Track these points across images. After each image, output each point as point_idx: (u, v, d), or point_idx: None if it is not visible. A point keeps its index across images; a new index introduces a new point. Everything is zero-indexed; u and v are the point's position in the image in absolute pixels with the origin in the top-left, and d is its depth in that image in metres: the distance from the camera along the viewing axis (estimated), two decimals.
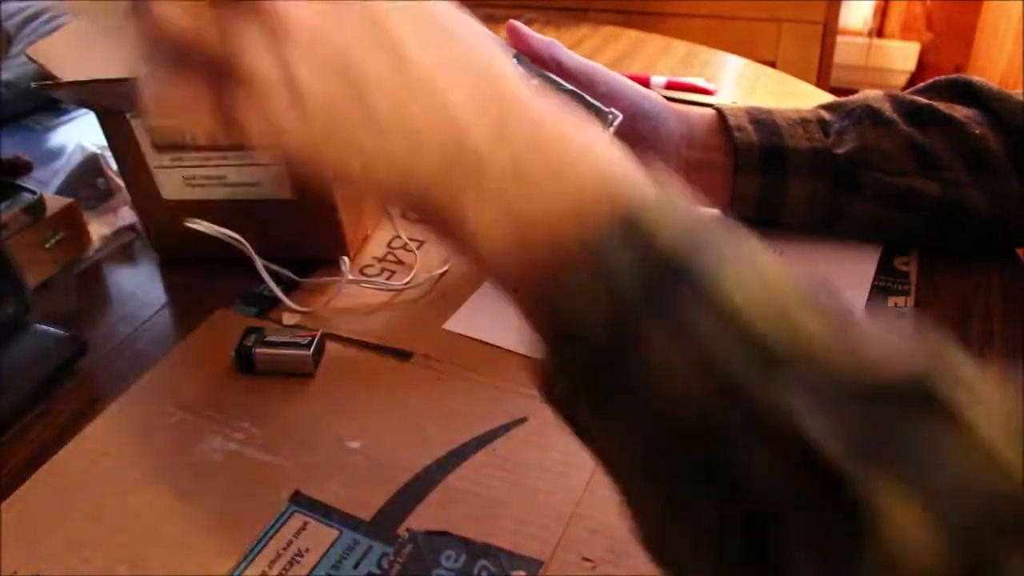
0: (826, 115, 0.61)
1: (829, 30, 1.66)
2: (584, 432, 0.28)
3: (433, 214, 0.28)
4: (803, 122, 0.60)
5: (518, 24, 0.58)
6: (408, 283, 0.60)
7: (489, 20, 0.34)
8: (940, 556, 0.19)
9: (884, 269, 0.60)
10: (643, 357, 0.23)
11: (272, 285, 0.57)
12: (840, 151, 0.58)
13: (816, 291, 0.24)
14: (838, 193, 0.59)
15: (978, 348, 0.53)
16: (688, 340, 0.23)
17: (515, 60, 0.56)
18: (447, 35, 0.28)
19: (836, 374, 0.22)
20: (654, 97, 0.60)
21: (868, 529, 0.19)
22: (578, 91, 0.55)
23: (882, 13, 2.22)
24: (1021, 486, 0.20)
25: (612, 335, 0.24)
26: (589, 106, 0.54)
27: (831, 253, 0.61)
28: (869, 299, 0.57)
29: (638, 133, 0.58)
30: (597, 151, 0.28)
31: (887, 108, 0.59)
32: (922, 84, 0.63)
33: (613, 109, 0.55)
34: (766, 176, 0.59)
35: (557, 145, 0.28)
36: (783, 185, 0.59)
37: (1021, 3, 1.72)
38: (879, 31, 2.22)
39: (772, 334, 0.22)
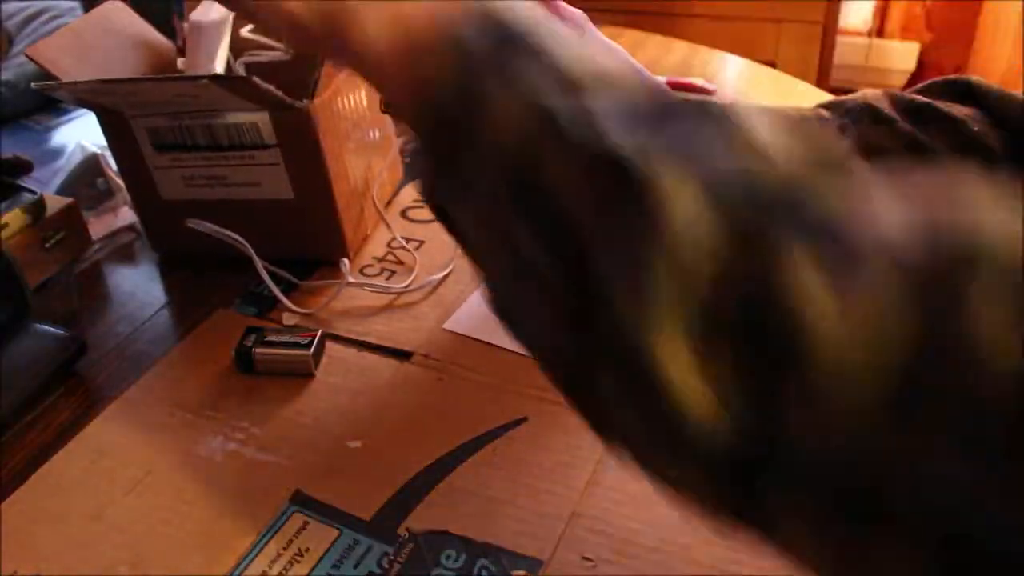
0: (825, 113, 0.61)
1: (829, 30, 1.66)
2: (452, 222, 0.31)
3: (326, 25, 0.32)
4: (802, 120, 0.60)
5: None
6: (408, 286, 0.60)
7: None
8: (713, 227, 0.22)
9: None
10: (485, 108, 0.27)
11: (271, 285, 0.57)
12: None
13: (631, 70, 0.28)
14: None
15: None
16: (520, 86, 0.27)
17: None
18: None
19: (637, 100, 0.26)
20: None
21: (654, 211, 0.23)
22: None
23: (882, 13, 2.21)
24: (782, 173, 0.23)
25: (459, 93, 0.28)
26: None
27: None
28: None
29: None
30: None
31: (886, 106, 0.59)
32: (921, 84, 0.63)
33: None
34: None
35: None
36: None
37: (1021, 3, 1.72)
38: (879, 31, 2.22)
39: (585, 76, 0.26)
